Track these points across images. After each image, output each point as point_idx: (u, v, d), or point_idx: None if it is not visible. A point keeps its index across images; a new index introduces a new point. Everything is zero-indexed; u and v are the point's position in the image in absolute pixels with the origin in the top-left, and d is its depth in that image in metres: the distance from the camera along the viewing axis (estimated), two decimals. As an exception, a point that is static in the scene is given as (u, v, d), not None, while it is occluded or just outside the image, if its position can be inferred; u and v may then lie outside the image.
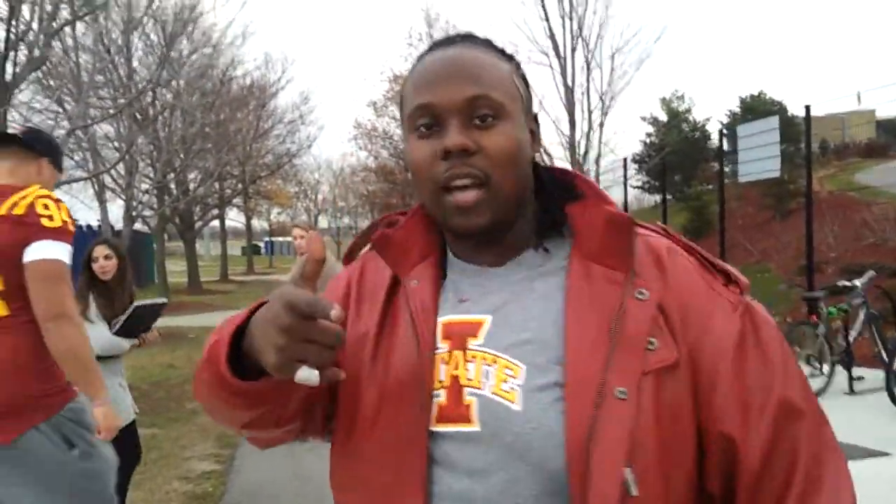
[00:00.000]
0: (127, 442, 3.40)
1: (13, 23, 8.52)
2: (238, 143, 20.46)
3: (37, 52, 8.49)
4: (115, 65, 12.74)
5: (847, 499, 0.85)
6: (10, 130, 7.35)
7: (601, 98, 16.17)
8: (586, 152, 16.10)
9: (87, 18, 10.44)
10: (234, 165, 24.93)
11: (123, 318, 3.60)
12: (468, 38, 0.97)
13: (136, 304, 3.66)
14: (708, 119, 23.85)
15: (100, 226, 15.94)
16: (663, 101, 24.28)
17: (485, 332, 0.89)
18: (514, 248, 0.96)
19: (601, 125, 16.22)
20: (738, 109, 21.27)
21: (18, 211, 2.25)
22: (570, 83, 16.06)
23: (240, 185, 30.36)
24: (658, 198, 20.08)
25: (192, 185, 21.30)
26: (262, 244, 72.31)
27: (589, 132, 16.12)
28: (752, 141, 10.97)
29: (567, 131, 16.14)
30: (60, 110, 11.91)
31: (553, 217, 0.97)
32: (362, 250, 1.07)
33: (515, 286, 0.92)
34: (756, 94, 21.62)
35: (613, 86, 16.19)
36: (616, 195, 16.04)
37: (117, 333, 3.61)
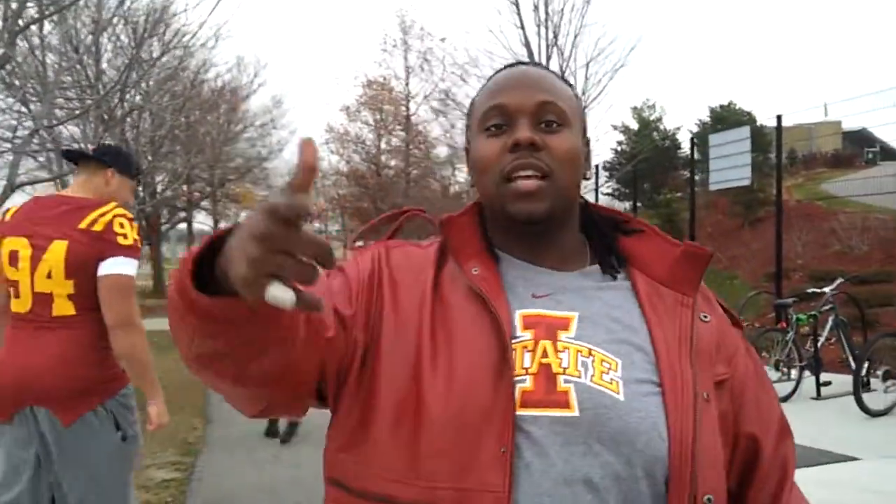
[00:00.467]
0: None
1: (-24, 20, 8.32)
2: (207, 145, 20.22)
3: (1, 51, 8.30)
4: (83, 65, 12.51)
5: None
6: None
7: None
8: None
9: (54, 17, 10.24)
10: (202, 168, 24.66)
11: None
12: (536, 63, 1.11)
13: None
14: (678, 128, 24.08)
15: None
16: (634, 109, 24.51)
17: (575, 327, 0.95)
18: (574, 259, 1.05)
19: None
20: (708, 119, 21.54)
21: (98, 227, 2.52)
22: (544, 90, 16.12)
23: (208, 189, 30.05)
24: (628, 205, 20.24)
25: (159, 188, 21.02)
26: (231, 248, 71.76)
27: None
28: (723, 150, 11.14)
29: (540, 138, 16.18)
30: (25, 110, 11.67)
31: (607, 244, 1.08)
32: (382, 235, 1.09)
33: (587, 292, 1.00)
34: (726, 103, 21.94)
35: (587, 94, 16.30)
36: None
37: None
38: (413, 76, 31.25)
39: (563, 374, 0.90)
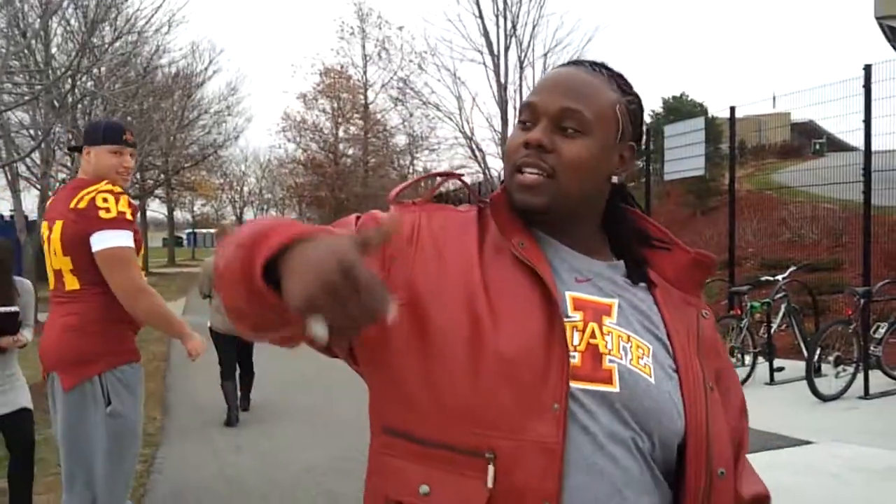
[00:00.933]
0: (13, 431, 3.64)
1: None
2: (161, 132, 19.81)
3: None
4: (32, 50, 12.15)
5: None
6: None
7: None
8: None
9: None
10: (156, 156, 24.17)
11: None
12: (595, 65, 1.13)
13: None
14: (633, 118, 24.25)
15: (12, 216, 15.24)
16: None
17: (616, 314, 1.05)
18: (596, 249, 1.12)
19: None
20: (661, 110, 21.81)
21: (81, 205, 2.69)
22: (503, 81, 16.20)
23: (162, 176, 29.47)
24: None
25: (112, 176, 20.51)
26: (184, 236, 70.45)
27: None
28: (678, 140, 11.32)
29: (500, 128, 16.26)
30: (-29, 96, 11.29)
31: (632, 253, 1.16)
32: (421, 195, 1.14)
33: (619, 283, 1.10)
34: (678, 94, 22.22)
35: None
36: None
37: None
38: (371, 64, 31.12)
39: (609, 354, 1.00)
